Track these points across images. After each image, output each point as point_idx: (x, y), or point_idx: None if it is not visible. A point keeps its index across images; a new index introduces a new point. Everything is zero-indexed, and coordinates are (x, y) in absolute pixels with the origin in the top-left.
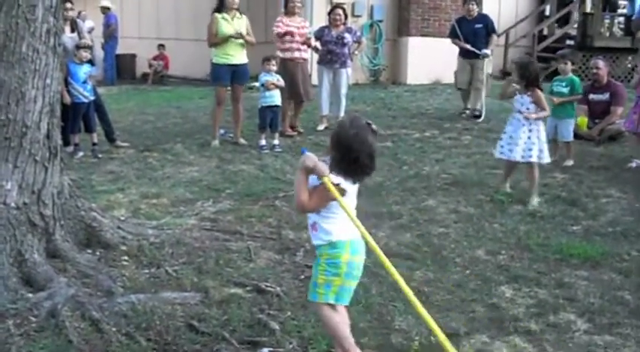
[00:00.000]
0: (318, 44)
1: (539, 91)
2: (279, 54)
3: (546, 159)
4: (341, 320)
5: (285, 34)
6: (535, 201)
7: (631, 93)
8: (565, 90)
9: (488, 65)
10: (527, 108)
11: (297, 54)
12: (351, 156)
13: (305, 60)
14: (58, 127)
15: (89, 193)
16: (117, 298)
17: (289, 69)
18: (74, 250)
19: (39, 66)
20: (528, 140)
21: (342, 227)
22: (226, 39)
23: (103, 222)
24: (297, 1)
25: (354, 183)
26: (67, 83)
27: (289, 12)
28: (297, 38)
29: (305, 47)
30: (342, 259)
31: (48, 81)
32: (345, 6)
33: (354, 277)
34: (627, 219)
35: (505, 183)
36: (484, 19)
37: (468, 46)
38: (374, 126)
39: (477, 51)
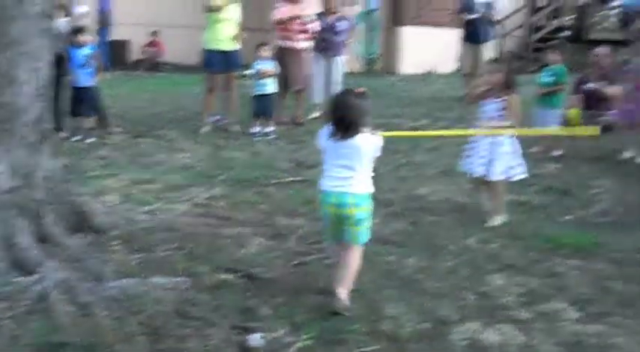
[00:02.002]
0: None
1: (516, 97)
2: (278, 42)
3: (519, 175)
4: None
5: (281, 21)
6: (498, 220)
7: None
8: (550, 79)
9: (490, 50)
10: (500, 116)
11: (293, 43)
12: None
13: (304, 49)
14: (49, 111)
15: (81, 178)
16: (107, 282)
17: (286, 57)
18: (64, 234)
19: (30, 48)
20: (492, 154)
21: (322, 180)
22: (217, 21)
23: (94, 207)
24: None
25: (331, 136)
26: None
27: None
28: (296, 26)
29: (305, 36)
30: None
31: (39, 64)
32: None
33: (329, 222)
34: (619, 210)
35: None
36: (487, 4)
37: (474, 15)
38: (360, 89)
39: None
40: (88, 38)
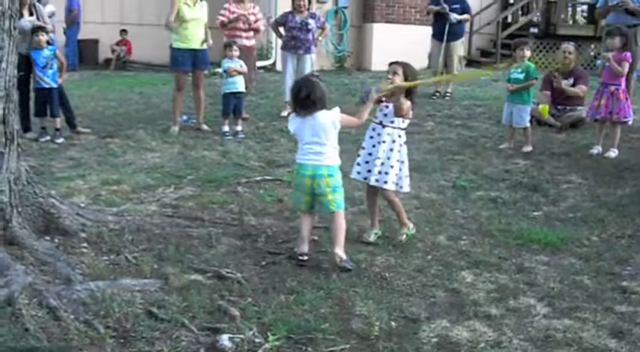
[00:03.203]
0: (281, 30)
1: (409, 103)
2: (224, 40)
3: (405, 188)
4: (302, 222)
5: (223, 24)
6: (404, 233)
7: (594, 80)
8: (520, 76)
9: (460, 48)
10: (392, 122)
11: (238, 41)
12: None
13: (248, 47)
14: (14, 112)
15: (49, 180)
16: (75, 285)
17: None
18: (32, 237)
19: None
20: (387, 161)
21: (298, 153)
22: (185, 21)
23: (62, 209)
24: None
25: (297, 114)
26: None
27: None
28: (241, 25)
29: (251, 34)
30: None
31: (3, 65)
32: None
33: (303, 193)
34: (587, 205)
35: (373, 227)
36: (461, 0)
37: (440, 8)
38: (314, 73)
39: (448, 12)
40: (46, 39)
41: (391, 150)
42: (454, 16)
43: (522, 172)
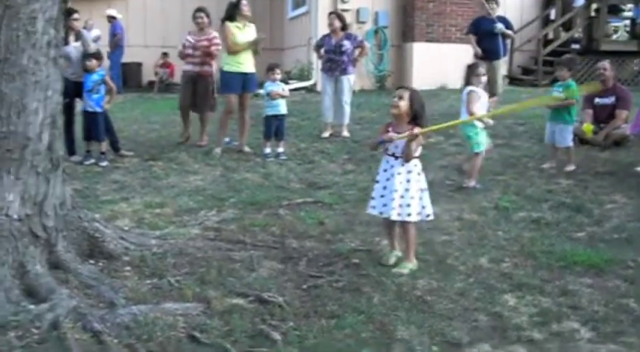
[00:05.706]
0: (322, 52)
1: (415, 144)
2: (187, 68)
3: (431, 215)
4: None
5: (184, 56)
6: (408, 267)
7: (637, 97)
8: (561, 95)
9: (502, 67)
10: (403, 152)
11: (196, 68)
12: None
13: (205, 73)
14: (59, 138)
15: (93, 203)
16: (119, 309)
17: (187, 81)
18: (76, 261)
19: (40, 78)
20: (406, 193)
21: None
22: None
23: (106, 233)
24: (199, 17)
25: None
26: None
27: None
28: (197, 52)
29: (205, 59)
30: None
31: (49, 92)
32: (346, 12)
33: None
34: (632, 225)
35: (393, 249)
36: (502, 19)
37: (475, 46)
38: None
39: (493, 22)
40: (95, 64)
41: (408, 181)
42: (499, 26)
43: (565, 192)
